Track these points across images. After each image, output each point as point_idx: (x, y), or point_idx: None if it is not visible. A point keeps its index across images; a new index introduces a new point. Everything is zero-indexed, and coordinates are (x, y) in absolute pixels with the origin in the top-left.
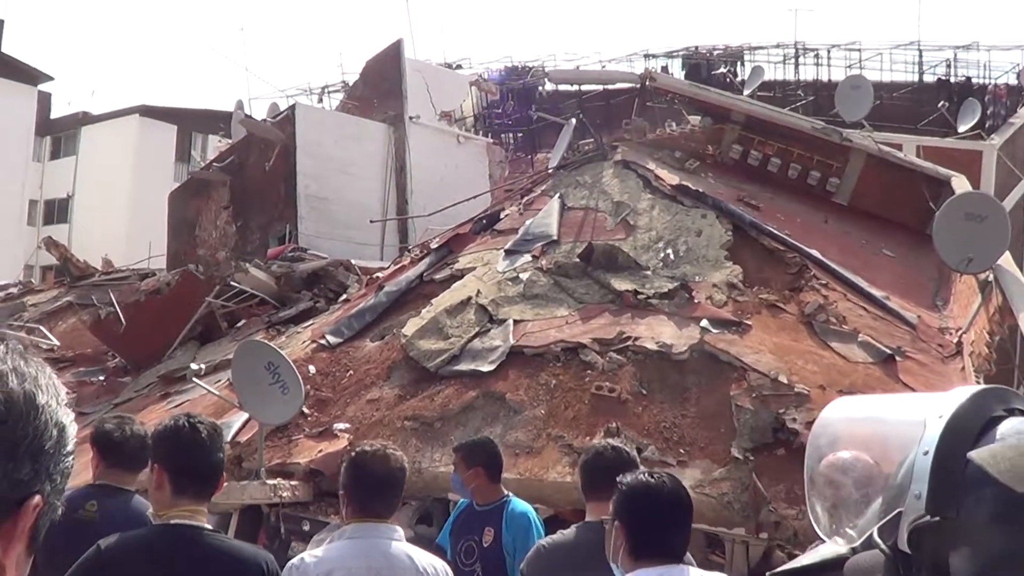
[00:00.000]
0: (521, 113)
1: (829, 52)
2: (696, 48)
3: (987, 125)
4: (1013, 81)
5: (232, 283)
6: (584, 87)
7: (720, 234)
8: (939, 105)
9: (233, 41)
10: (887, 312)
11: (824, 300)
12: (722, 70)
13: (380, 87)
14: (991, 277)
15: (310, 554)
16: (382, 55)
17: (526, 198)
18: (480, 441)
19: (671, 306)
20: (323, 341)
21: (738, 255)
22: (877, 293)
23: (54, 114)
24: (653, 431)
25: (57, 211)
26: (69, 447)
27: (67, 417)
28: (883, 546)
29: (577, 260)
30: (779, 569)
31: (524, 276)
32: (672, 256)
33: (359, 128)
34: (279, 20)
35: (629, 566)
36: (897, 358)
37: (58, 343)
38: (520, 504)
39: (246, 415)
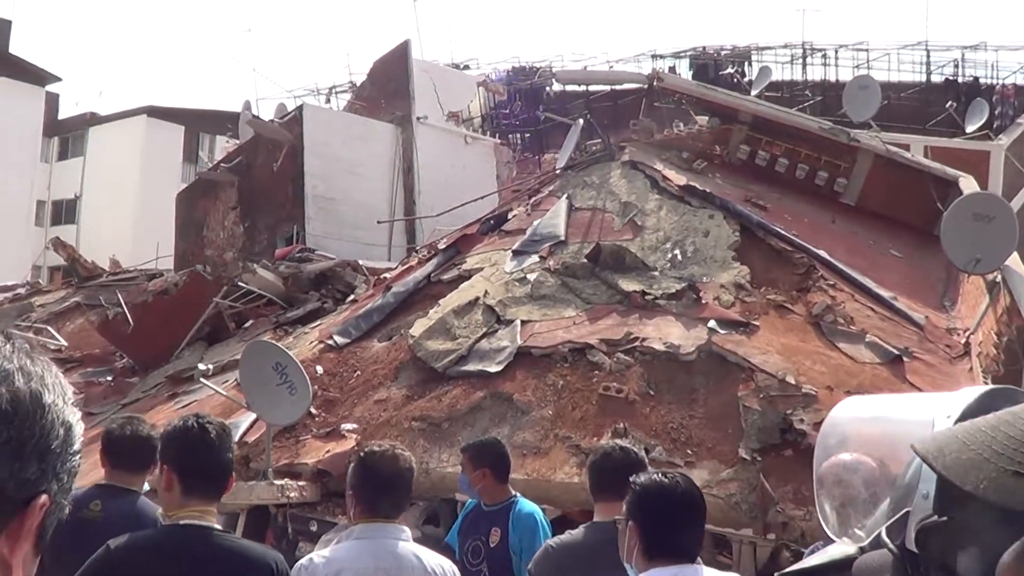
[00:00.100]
0: (528, 113)
1: (837, 52)
2: (704, 48)
3: (995, 125)
4: (1021, 81)
5: (240, 284)
6: (591, 87)
7: (728, 235)
8: (947, 105)
9: (240, 42)
10: (895, 313)
11: (832, 301)
12: (730, 70)
13: (387, 88)
14: (999, 278)
15: (318, 554)
16: (389, 56)
17: (534, 199)
18: (487, 442)
19: (679, 307)
20: (331, 342)
21: (745, 256)
22: (885, 294)
23: (62, 115)
24: (661, 432)
25: (65, 212)
26: (76, 446)
27: (74, 416)
28: (891, 546)
29: (585, 261)
30: (788, 569)
31: (532, 277)
32: (680, 257)
33: (366, 129)
34: (286, 21)
35: (643, 566)
36: (905, 359)
37: (66, 343)
38: (527, 505)
39: (254, 415)
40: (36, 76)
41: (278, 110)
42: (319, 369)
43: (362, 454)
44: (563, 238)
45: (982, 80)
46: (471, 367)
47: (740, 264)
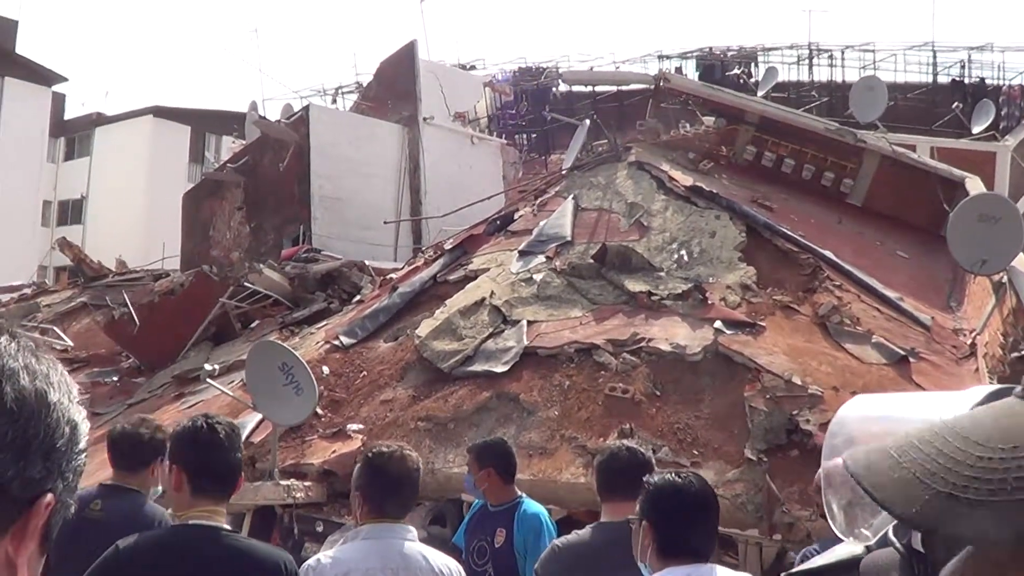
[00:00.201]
0: (535, 114)
1: (843, 53)
2: (710, 49)
3: (1001, 126)
4: None
5: (246, 284)
6: (598, 88)
7: (734, 235)
8: (953, 106)
9: (247, 42)
10: (901, 313)
11: (838, 301)
12: (736, 71)
13: (394, 88)
14: (1005, 278)
15: (325, 555)
16: (396, 56)
17: (540, 199)
18: (492, 442)
19: (685, 307)
20: (337, 342)
21: (752, 256)
22: (891, 294)
23: (68, 115)
24: (667, 432)
25: (71, 212)
26: (81, 445)
27: (79, 415)
28: (898, 545)
29: (591, 261)
30: (795, 569)
31: (538, 277)
32: (686, 257)
33: (373, 129)
34: (293, 21)
35: (657, 565)
36: (911, 359)
37: (72, 344)
38: (533, 505)
39: (260, 416)
40: (43, 76)
41: (284, 110)
42: (325, 369)
43: (370, 454)
44: (569, 238)
45: (988, 81)
46: (477, 367)
47: (746, 265)
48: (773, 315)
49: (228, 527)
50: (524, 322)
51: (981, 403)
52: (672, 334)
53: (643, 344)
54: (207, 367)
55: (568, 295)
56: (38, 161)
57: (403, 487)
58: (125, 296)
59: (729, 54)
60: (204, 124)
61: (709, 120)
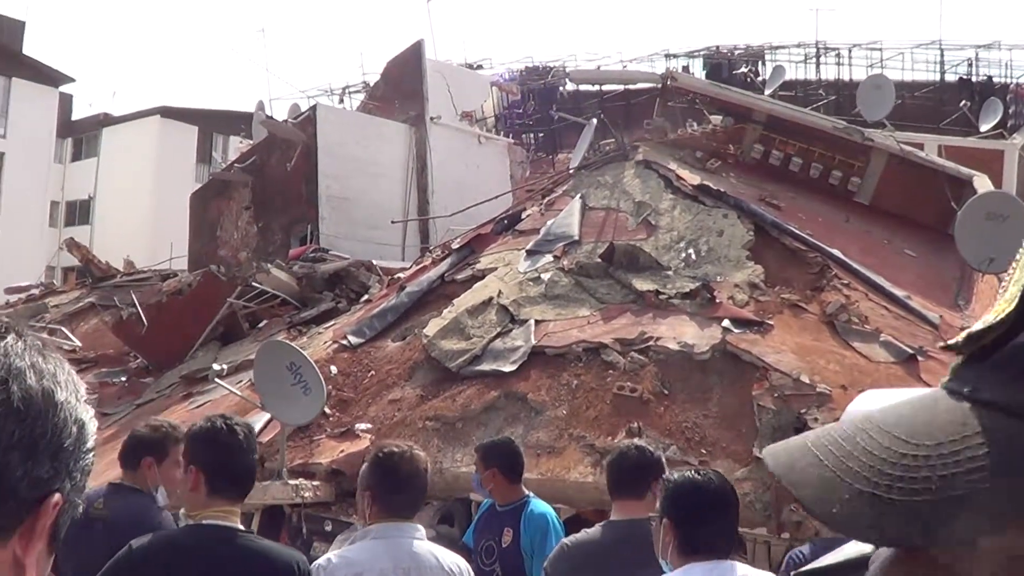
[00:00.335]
0: (542, 113)
1: (850, 51)
2: (717, 48)
3: (1009, 124)
4: None
5: (254, 284)
6: (605, 87)
7: (742, 234)
8: (961, 104)
9: (254, 42)
10: (909, 312)
11: (846, 300)
12: (743, 70)
13: (401, 87)
14: None
15: (336, 555)
16: (403, 56)
17: (547, 198)
18: (498, 442)
19: (693, 306)
20: (345, 341)
21: (760, 255)
22: (899, 293)
23: (75, 116)
24: (675, 431)
25: (79, 212)
26: (89, 444)
27: (87, 414)
28: None
29: (599, 260)
30: (803, 569)
31: (545, 276)
32: (694, 256)
33: (380, 128)
34: (299, 21)
35: (678, 562)
36: (919, 358)
37: (80, 344)
38: (540, 505)
39: (268, 415)
40: (50, 77)
41: (292, 110)
42: (333, 369)
43: (380, 454)
44: (577, 238)
45: (996, 79)
46: (485, 367)
47: (754, 263)
48: (781, 314)
49: (243, 527)
50: (532, 321)
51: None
52: (680, 333)
53: (651, 343)
54: (215, 367)
55: (576, 294)
56: (45, 162)
57: (413, 487)
58: (133, 296)
59: (736, 53)
60: (211, 124)
61: (716, 119)
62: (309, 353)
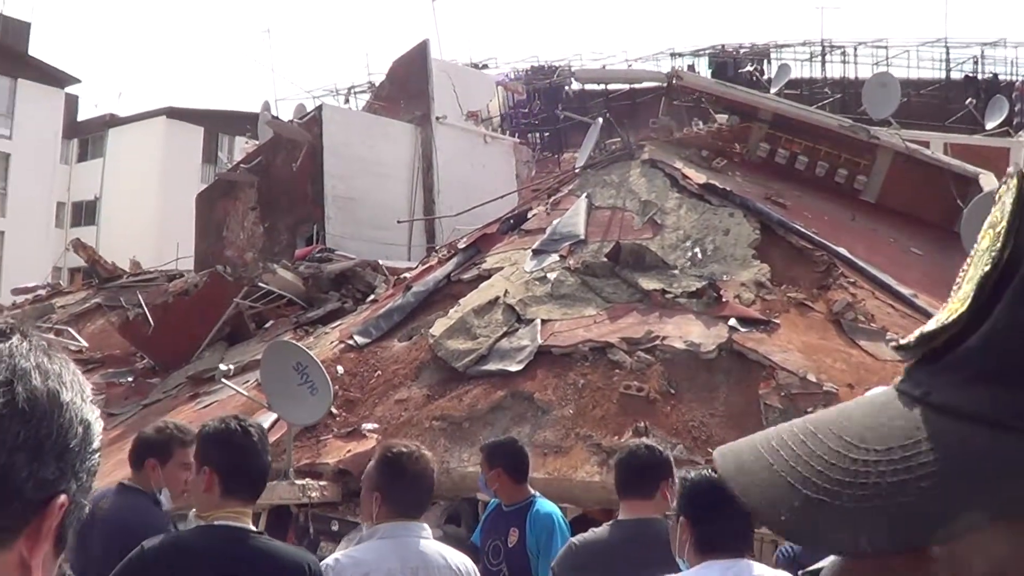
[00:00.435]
0: (547, 113)
1: (856, 49)
2: (722, 46)
3: (1015, 122)
4: None
5: (260, 284)
6: (610, 86)
7: (748, 233)
8: (966, 102)
9: (259, 42)
10: (915, 310)
11: (852, 298)
12: (749, 68)
13: (407, 87)
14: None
15: (344, 555)
16: (408, 55)
17: (553, 198)
18: (502, 442)
19: (699, 305)
20: (351, 341)
21: (766, 253)
22: (905, 291)
23: (81, 116)
24: (681, 430)
25: (85, 213)
26: (95, 444)
27: (92, 414)
28: None
29: (605, 259)
30: (810, 568)
31: (552, 276)
32: (700, 255)
33: (386, 128)
34: (305, 21)
35: (695, 560)
36: None
37: (86, 344)
38: (546, 505)
39: (275, 415)
40: (55, 78)
41: (297, 110)
42: (340, 369)
43: (389, 454)
44: (583, 237)
45: (1002, 77)
46: (491, 366)
47: (760, 262)
48: (787, 312)
49: (255, 528)
50: (538, 321)
51: None
52: (686, 332)
53: (657, 342)
54: (222, 367)
55: (582, 293)
56: (51, 162)
57: (421, 487)
58: (139, 297)
59: (741, 51)
60: (217, 125)
61: (722, 117)
62: (316, 353)
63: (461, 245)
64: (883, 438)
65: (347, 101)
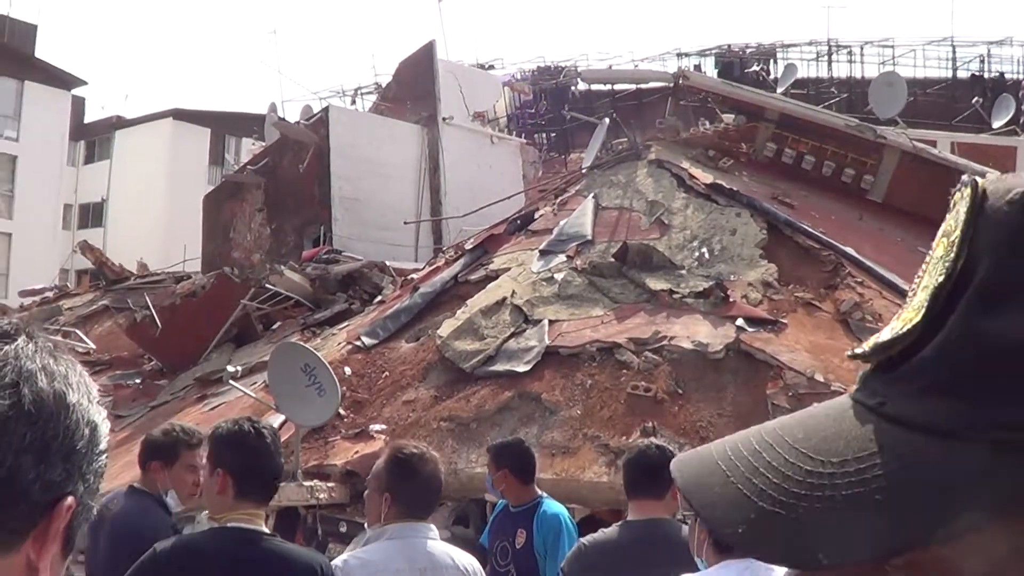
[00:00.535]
0: (554, 113)
1: (862, 49)
2: (729, 46)
3: (1021, 121)
4: None
5: (267, 285)
6: (617, 86)
7: (755, 232)
8: (973, 101)
9: (266, 44)
10: None
11: (860, 298)
12: (755, 68)
13: (413, 88)
14: None
15: (353, 555)
16: (415, 56)
17: (560, 198)
18: (508, 443)
19: (706, 305)
20: (359, 343)
21: (773, 253)
22: None
23: (88, 118)
24: (689, 430)
25: (92, 215)
26: (102, 446)
27: (99, 415)
28: None
29: (612, 260)
30: None
31: (559, 276)
32: (707, 255)
33: (392, 129)
34: (311, 23)
35: (713, 559)
36: None
37: (94, 346)
38: (553, 506)
39: (282, 417)
40: (62, 80)
41: (304, 112)
42: (347, 370)
43: (399, 455)
44: (590, 237)
45: (1008, 75)
46: (499, 367)
47: (767, 262)
48: (795, 312)
49: (267, 530)
50: (546, 321)
51: None
52: (694, 332)
53: (665, 342)
54: (229, 369)
55: (589, 294)
56: (58, 164)
57: (431, 487)
58: (147, 299)
59: (748, 51)
60: (224, 126)
61: (729, 117)
62: (323, 354)
63: (468, 246)
64: (838, 450)
65: (353, 102)
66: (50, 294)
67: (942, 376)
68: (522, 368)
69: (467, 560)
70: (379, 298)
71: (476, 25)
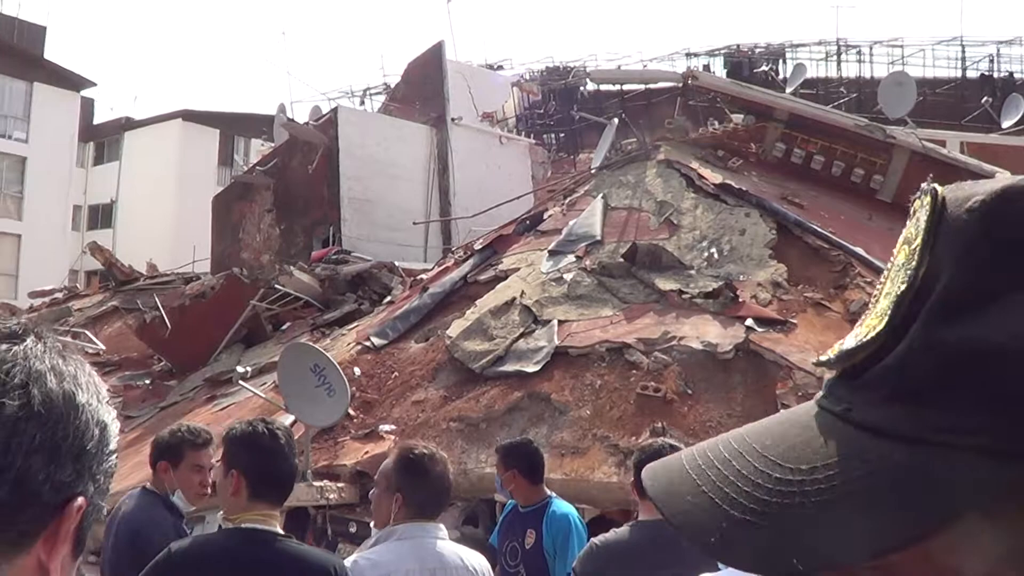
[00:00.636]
0: (563, 113)
1: (871, 49)
2: (738, 46)
3: None
4: None
5: (276, 286)
6: (626, 87)
7: (764, 233)
8: (982, 101)
9: (275, 45)
10: None
11: (869, 298)
12: (764, 68)
13: (422, 89)
14: None
15: (363, 556)
16: (423, 57)
17: (569, 198)
18: (517, 443)
19: (716, 305)
20: (368, 343)
21: (782, 253)
22: None
23: (97, 119)
24: (699, 431)
25: (101, 216)
26: (112, 446)
27: (109, 416)
28: None
29: (621, 260)
30: None
31: (568, 276)
32: (716, 255)
33: (401, 130)
34: (320, 24)
35: None
36: None
37: (104, 347)
38: (562, 506)
39: (292, 417)
40: (71, 81)
41: (313, 112)
42: (357, 371)
43: (410, 455)
44: (599, 238)
45: (1018, 75)
46: (508, 367)
47: (777, 262)
48: (804, 312)
49: (282, 531)
50: (555, 322)
51: None
52: (703, 332)
53: (674, 343)
54: (239, 369)
55: (598, 294)
56: (68, 166)
57: (441, 487)
58: (156, 299)
59: (757, 51)
60: (233, 127)
61: (738, 117)
62: (333, 355)
63: (477, 246)
64: (807, 457)
65: (362, 103)
66: (60, 295)
67: (905, 384)
68: (531, 368)
69: (477, 560)
70: (388, 298)
71: (485, 26)
